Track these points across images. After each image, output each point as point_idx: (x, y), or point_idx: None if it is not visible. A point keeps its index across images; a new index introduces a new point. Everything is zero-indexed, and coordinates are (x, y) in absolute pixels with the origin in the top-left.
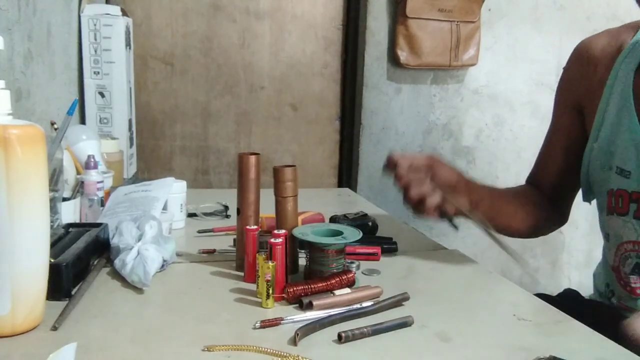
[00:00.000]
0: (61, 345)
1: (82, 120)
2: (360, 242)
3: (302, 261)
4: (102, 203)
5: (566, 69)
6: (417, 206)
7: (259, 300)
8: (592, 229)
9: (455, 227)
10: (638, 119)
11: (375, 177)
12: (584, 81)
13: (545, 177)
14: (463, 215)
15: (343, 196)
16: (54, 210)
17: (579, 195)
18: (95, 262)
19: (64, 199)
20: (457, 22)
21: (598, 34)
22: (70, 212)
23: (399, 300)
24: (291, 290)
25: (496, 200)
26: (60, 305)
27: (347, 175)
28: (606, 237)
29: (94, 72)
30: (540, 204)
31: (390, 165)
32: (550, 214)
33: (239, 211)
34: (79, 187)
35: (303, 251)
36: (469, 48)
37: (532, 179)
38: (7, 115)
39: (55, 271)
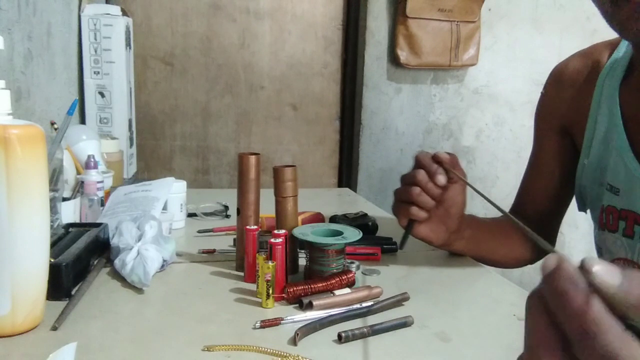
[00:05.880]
0: (61, 345)
1: (82, 120)
2: (360, 242)
3: (302, 261)
4: (102, 203)
5: (544, 94)
6: (408, 209)
7: (259, 300)
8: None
9: (402, 246)
10: (627, 137)
11: (375, 177)
12: (564, 104)
13: (532, 205)
14: (433, 244)
15: (343, 196)
16: (54, 210)
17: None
18: (95, 262)
19: (64, 199)
20: (457, 22)
21: (571, 56)
22: (70, 212)
23: (399, 300)
24: (291, 290)
25: (477, 232)
26: (60, 305)
27: (347, 175)
28: (599, 251)
29: (94, 72)
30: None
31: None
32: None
33: (239, 211)
34: (79, 187)
35: (303, 251)
36: (468, 48)
37: (517, 207)
38: (7, 115)
39: (55, 271)
